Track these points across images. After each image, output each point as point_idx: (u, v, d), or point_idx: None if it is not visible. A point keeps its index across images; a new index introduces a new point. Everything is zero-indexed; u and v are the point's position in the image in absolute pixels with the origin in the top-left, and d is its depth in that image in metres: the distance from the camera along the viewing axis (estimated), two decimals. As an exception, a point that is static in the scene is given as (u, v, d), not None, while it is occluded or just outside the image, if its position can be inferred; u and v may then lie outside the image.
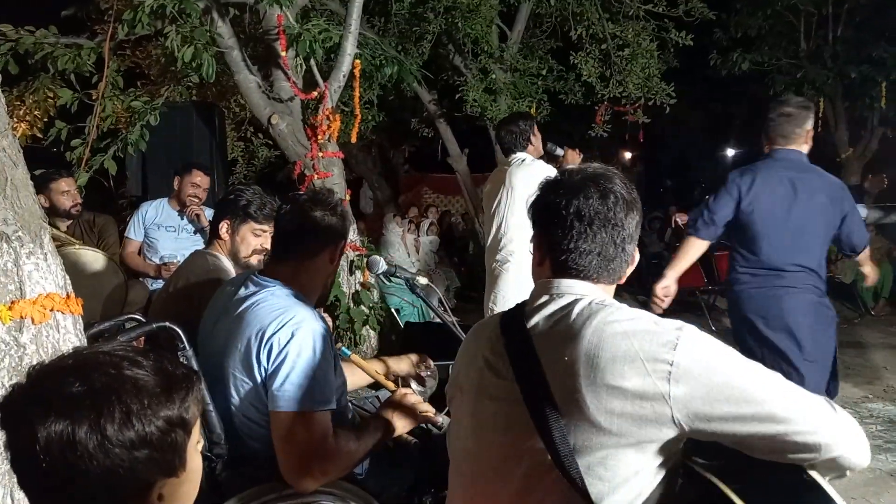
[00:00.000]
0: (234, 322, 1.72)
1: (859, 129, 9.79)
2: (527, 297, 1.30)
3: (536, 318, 1.22)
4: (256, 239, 2.50)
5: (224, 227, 2.49)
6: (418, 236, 8.37)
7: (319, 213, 1.79)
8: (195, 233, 3.98)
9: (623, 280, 1.29)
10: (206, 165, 4.31)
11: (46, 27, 4.70)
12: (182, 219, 4.00)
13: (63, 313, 1.45)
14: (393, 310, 5.40)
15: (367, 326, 4.73)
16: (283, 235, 1.83)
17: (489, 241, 3.72)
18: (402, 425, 1.84)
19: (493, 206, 3.64)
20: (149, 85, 6.27)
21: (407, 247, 7.76)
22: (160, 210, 4.06)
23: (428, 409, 1.89)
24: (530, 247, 3.31)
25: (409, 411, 1.85)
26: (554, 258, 1.25)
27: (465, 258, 9.32)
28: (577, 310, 1.18)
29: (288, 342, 1.61)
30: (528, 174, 3.48)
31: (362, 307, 4.69)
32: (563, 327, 1.17)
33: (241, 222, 2.48)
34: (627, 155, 16.04)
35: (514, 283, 3.52)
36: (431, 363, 2.15)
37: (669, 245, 9.66)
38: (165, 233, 4.03)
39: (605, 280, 1.25)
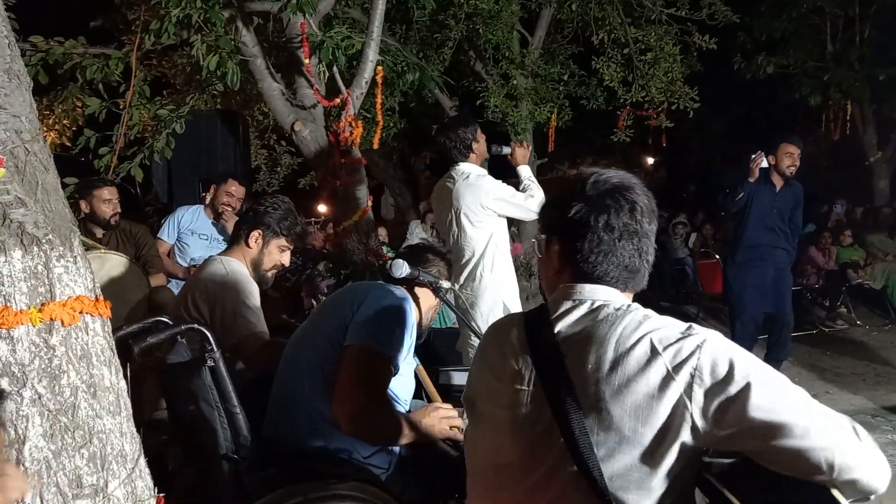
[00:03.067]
0: (339, 294, 2.01)
1: (887, 131, 9.61)
2: (494, 304, 1.36)
3: (560, 324, 1.21)
4: (280, 255, 2.56)
5: (255, 237, 2.51)
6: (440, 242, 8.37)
7: None
8: (225, 241, 4.03)
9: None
10: (243, 175, 4.39)
11: (75, 38, 4.80)
12: (216, 229, 4.10)
13: (92, 316, 1.47)
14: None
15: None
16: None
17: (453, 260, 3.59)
18: (424, 434, 1.89)
19: (445, 226, 3.45)
20: (174, 94, 6.36)
21: (429, 253, 7.76)
22: (195, 217, 4.17)
23: (456, 427, 1.96)
24: (488, 265, 3.27)
25: (436, 423, 1.90)
26: (578, 268, 1.25)
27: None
28: (602, 315, 1.18)
29: (377, 296, 1.86)
30: (474, 195, 3.27)
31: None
32: (587, 332, 1.17)
33: (273, 236, 2.52)
34: (650, 160, 15.91)
35: (476, 304, 3.30)
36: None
37: (693, 251, 9.55)
38: (198, 240, 4.12)
39: (630, 289, 1.26)
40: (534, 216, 3.32)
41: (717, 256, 8.10)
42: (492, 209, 3.32)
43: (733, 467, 1.15)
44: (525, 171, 3.58)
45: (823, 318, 7.19)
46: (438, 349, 3.77)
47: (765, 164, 4.60)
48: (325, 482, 1.65)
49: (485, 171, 3.49)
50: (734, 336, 4.81)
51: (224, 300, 2.30)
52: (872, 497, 1.09)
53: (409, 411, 2.02)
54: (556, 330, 1.21)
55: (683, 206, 12.31)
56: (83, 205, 3.75)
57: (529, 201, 3.34)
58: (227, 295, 2.31)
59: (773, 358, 4.86)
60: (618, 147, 9.31)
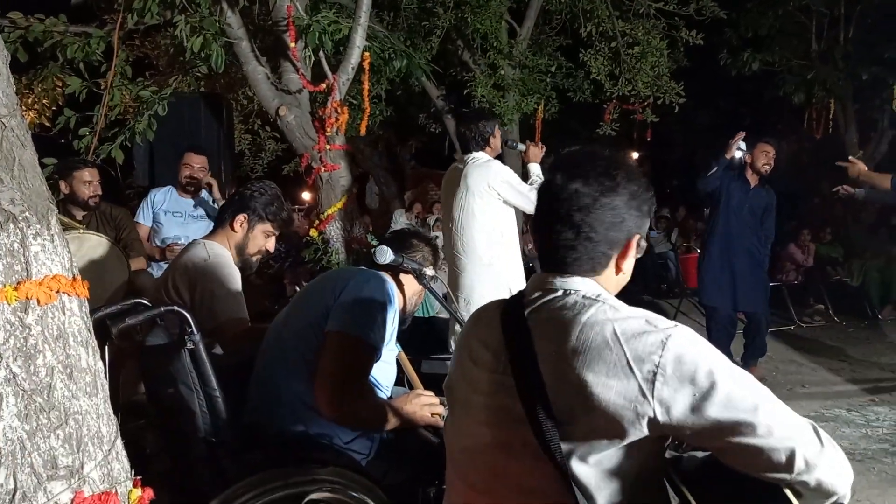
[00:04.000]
0: (320, 280, 2.00)
1: (869, 130, 9.73)
2: (491, 296, 1.36)
3: (532, 311, 1.21)
4: (265, 240, 2.55)
5: (240, 221, 2.50)
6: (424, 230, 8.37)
7: None
8: (202, 217, 4.11)
9: (622, 271, 1.25)
10: (202, 147, 4.39)
11: (56, 16, 4.70)
12: (191, 206, 4.12)
13: (69, 295, 1.43)
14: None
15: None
16: None
17: (446, 242, 3.67)
18: (405, 420, 1.90)
19: (449, 206, 3.59)
20: (157, 75, 6.27)
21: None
22: (168, 196, 4.18)
23: (437, 414, 1.96)
24: (488, 245, 3.35)
25: (417, 410, 1.91)
26: (540, 255, 1.27)
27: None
28: (569, 303, 1.17)
29: (360, 281, 1.86)
30: (483, 174, 3.44)
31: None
32: (556, 318, 1.17)
33: (258, 221, 2.51)
34: (635, 154, 15.98)
35: (474, 286, 3.46)
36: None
37: (675, 246, 9.62)
38: (172, 218, 4.13)
39: (583, 268, 1.20)
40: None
41: (698, 250, 8.18)
42: (496, 191, 3.45)
43: (699, 468, 1.17)
44: (535, 169, 3.75)
45: (802, 314, 7.28)
46: (421, 337, 3.77)
47: (743, 146, 4.64)
48: (305, 467, 1.64)
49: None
50: (710, 332, 4.88)
51: (205, 283, 2.28)
52: (838, 500, 1.09)
53: (391, 398, 2.01)
54: (528, 315, 1.21)
55: (667, 201, 12.38)
56: (63, 185, 3.70)
57: (533, 193, 3.44)
58: (207, 278, 2.29)
59: (749, 357, 4.92)
60: (604, 140, 9.33)
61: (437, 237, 8.49)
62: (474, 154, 3.57)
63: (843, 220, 8.86)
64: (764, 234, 4.83)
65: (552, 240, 1.20)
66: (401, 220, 7.89)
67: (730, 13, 7.92)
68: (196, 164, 4.14)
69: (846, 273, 7.55)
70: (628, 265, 1.25)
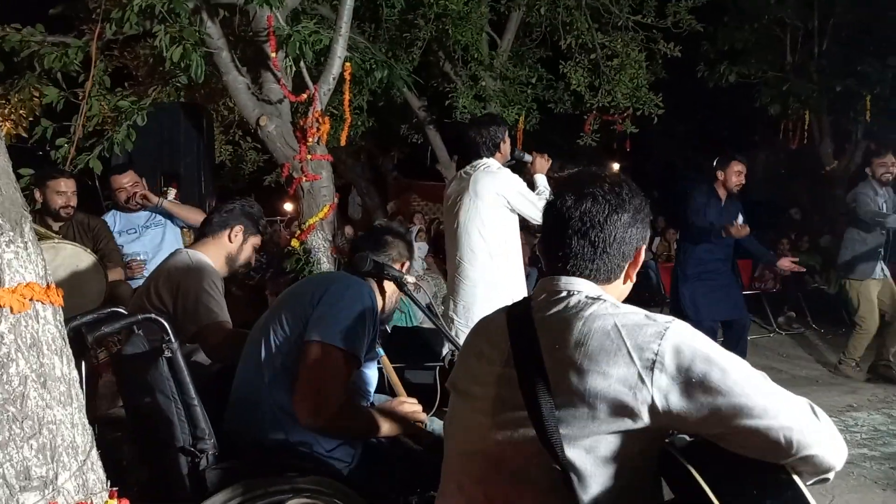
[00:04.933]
0: (296, 287, 1.97)
1: (844, 142, 9.91)
2: (491, 304, 1.39)
3: (538, 310, 1.28)
4: (252, 253, 2.64)
5: (237, 232, 2.57)
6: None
7: None
8: (155, 225, 4.13)
9: (628, 278, 1.33)
10: (123, 165, 4.36)
11: (33, 25, 4.65)
12: (143, 218, 4.14)
13: (43, 303, 1.42)
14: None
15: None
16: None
17: (449, 248, 3.66)
18: (388, 428, 1.89)
19: (455, 212, 3.56)
20: (136, 85, 6.21)
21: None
22: (116, 218, 4.16)
23: (420, 421, 1.98)
24: (493, 253, 3.35)
25: (400, 418, 1.91)
26: (547, 261, 1.34)
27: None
28: (572, 301, 1.24)
29: (338, 289, 1.83)
30: (492, 182, 3.42)
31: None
32: (560, 316, 1.23)
33: (252, 234, 2.60)
34: (616, 165, 16.13)
35: (475, 293, 3.44)
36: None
37: (656, 255, 9.70)
38: (127, 236, 4.11)
39: (598, 279, 1.29)
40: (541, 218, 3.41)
41: (674, 266, 8.26)
42: (505, 197, 3.43)
43: (694, 444, 1.19)
44: (542, 180, 3.74)
45: (780, 322, 7.37)
46: (405, 347, 3.76)
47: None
48: (286, 476, 1.63)
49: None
50: None
51: (187, 288, 2.28)
52: (830, 475, 1.13)
53: (373, 404, 2.00)
54: (534, 314, 1.27)
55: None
56: (37, 194, 3.65)
57: (540, 203, 3.44)
58: (190, 283, 2.30)
59: None
60: (584, 151, 9.42)
61: (419, 247, 8.52)
62: (484, 160, 3.54)
63: (821, 229, 9.01)
64: (749, 244, 4.89)
65: (571, 253, 1.28)
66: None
67: (707, 26, 8.06)
68: (126, 182, 4.08)
69: (824, 281, 7.65)
70: (635, 272, 1.35)
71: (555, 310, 1.25)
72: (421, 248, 8.59)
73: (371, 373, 1.98)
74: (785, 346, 6.44)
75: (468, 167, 3.62)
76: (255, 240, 2.62)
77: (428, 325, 4.44)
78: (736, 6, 8.84)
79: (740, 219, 4.74)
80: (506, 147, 3.61)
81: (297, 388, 1.71)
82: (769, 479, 1.10)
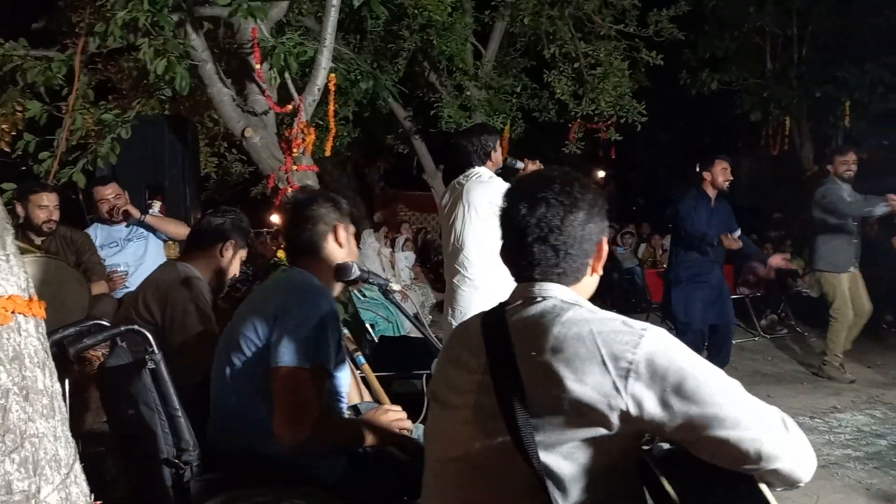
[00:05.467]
0: (252, 302, 1.86)
1: (824, 147, 10.04)
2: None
3: (513, 316, 1.27)
4: (239, 265, 2.64)
5: (229, 247, 2.57)
6: (394, 251, 8.37)
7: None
8: (137, 238, 4.13)
9: (594, 271, 1.33)
10: (106, 177, 4.37)
11: (16, 39, 4.64)
12: (125, 231, 4.15)
13: (25, 316, 1.41)
14: (367, 325, 5.37)
15: (342, 340, 4.70)
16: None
17: (446, 257, 3.69)
18: (373, 438, 1.88)
19: (450, 222, 3.60)
20: (120, 99, 6.20)
21: (382, 262, 7.75)
22: (98, 232, 4.15)
23: (406, 429, 1.96)
24: (488, 262, 3.33)
25: (385, 427, 1.89)
26: (512, 270, 1.33)
27: (441, 274, 9.32)
28: (547, 308, 1.23)
29: (291, 304, 1.76)
30: (484, 191, 3.45)
31: (345, 331, 4.65)
32: (535, 321, 1.22)
33: (241, 247, 2.61)
34: (601, 173, 16.25)
35: (472, 300, 3.47)
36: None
37: (642, 261, 9.77)
38: (109, 249, 4.10)
39: (567, 280, 1.29)
40: None
41: (664, 266, 8.33)
42: (497, 206, 3.43)
43: (672, 453, 1.21)
44: None
45: (764, 325, 7.43)
46: (392, 357, 3.75)
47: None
48: (272, 487, 1.62)
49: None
50: None
51: (175, 300, 2.29)
52: (801, 484, 1.14)
53: (358, 411, 1.99)
54: (509, 321, 1.27)
55: (633, 218, 12.57)
56: (19, 208, 3.63)
57: None
58: (178, 296, 2.30)
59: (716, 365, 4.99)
60: (569, 159, 9.47)
61: (406, 256, 8.54)
62: (476, 169, 3.57)
63: (803, 233, 9.09)
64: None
65: (535, 260, 1.27)
66: (369, 241, 7.88)
67: (688, 35, 8.16)
68: (108, 194, 4.07)
69: (806, 285, 7.72)
70: (601, 265, 1.35)
71: (530, 315, 1.24)
72: (408, 257, 8.61)
73: (342, 374, 1.94)
74: (769, 350, 6.50)
75: (461, 177, 3.66)
76: (243, 253, 2.63)
77: (415, 334, 4.44)
78: (716, 15, 8.97)
79: (738, 232, 4.82)
80: (497, 155, 3.65)
81: (275, 415, 1.67)
82: (737, 490, 1.12)
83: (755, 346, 6.72)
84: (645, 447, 1.23)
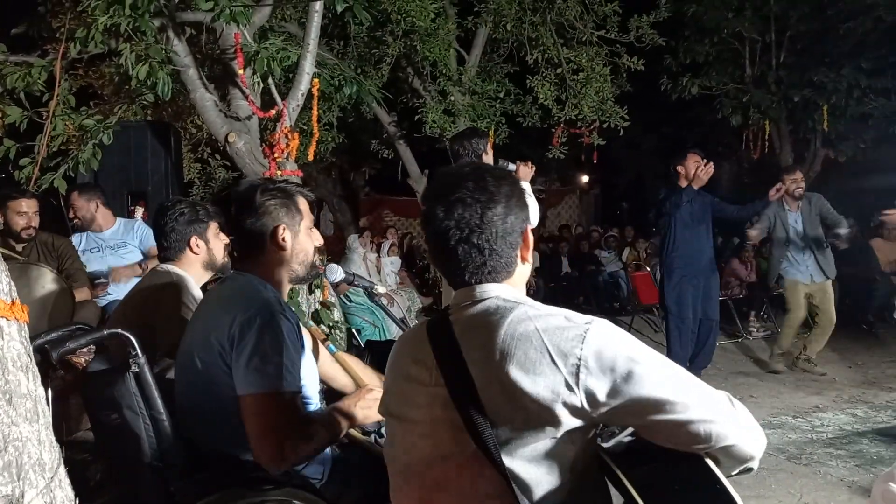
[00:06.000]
0: (203, 316, 1.77)
1: (803, 150, 10.20)
2: None
3: (457, 322, 1.26)
4: (223, 238, 2.50)
5: (195, 243, 2.47)
6: (379, 256, 8.36)
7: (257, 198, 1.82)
8: (120, 245, 4.14)
9: (524, 260, 1.30)
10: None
11: (-5, 45, 4.60)
12: (106, 237, 4.16)
13: (7, 320, 1.40)
14: (354, 330, 5.36)
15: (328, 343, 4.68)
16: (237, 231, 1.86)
17: None
18: (362, 416, 1.83)
19: None
20: (102, 104, 6.16)
21: (368, 267, 7.74)
22: (82, 238, 4.16)
23: None
24: None
25: (367, 408, 1.83)
26: (449, 277, 1.30)
27: (427, 279, 9.33)
28: (490, 309, 1.22)
29: (253, 327, 1.65)
30: None
31: (322, 326, 4.64)
32: (479, 327, 1.21)
33: (205, 230, 2.49)
34: (584, 178, 16.35)
35: None
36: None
37: (626, 264, 9.84)
38: (91, 255, 4.10)
39: (499, 277, 1.27)
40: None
41: (648, 269, 8.40)
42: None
43: (629, 448, 1.24)
44: (526, 187, 3.84)
45: (747, 327, 7.51)
46: (377, 361, 3.75)
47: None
48: (258, 488, 1.62)
49: None
50: (672, 345, 5.02)
51: (170, 303, 2.26)
52: (753, 464, 1.18)
53: (342, 397, 1.93)
54: (455, 327, 1.25)
55: (617, 222, 12.66)
56: None
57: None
58: (173, 298, 2.28)
59: (696, 367, 5.07)
60: (553, 164, 9.53)
61: (392, 261, 8.53)
62: None
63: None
64: (734, 212, 5.29)
65: (462, 262, 1.25)
66: (354, 246, 7.87)
67: (668, 41, 8.26)
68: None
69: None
70: (530, 253, 1.32)
71: (474, 319, 1.23)
72: (394, 262, 8.60)
73: (312, 376, 1.87)
74: (752, 350, 6.57)
75: None
76: (212, 232, 2.50)
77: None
78: (695, 21, 9.08)
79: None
80: (488, 157, 3.72)
81: (252, 442, 1.61)
82: (694, 478, 1.16)
83: (738, 348, 6.79)
84: (604, 444, 1.25)
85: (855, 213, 6.40)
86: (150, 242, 4.18)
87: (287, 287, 1.90)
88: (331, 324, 4.77)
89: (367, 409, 1.83)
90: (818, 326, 5.55)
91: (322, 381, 2.15)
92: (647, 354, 1.15)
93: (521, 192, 1.29)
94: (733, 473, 1.18)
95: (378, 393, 1.82)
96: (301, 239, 1.87)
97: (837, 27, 8.75)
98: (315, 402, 1.89)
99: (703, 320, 5.05)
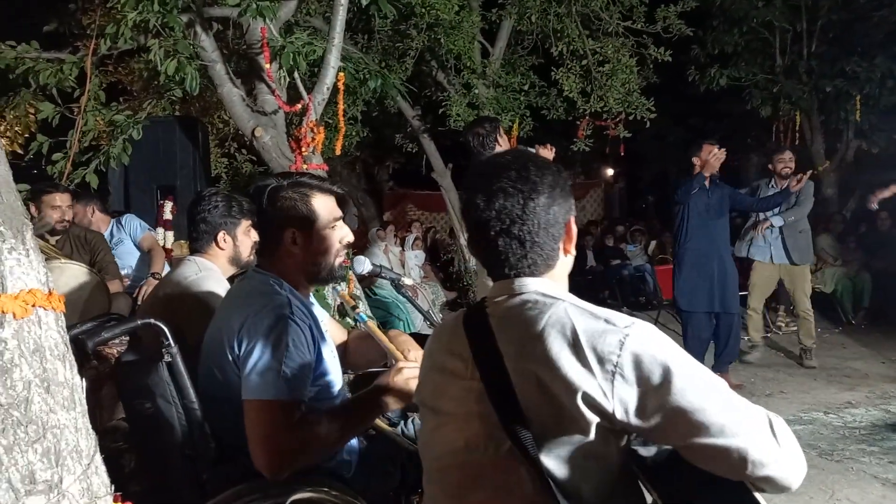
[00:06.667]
0: (220, 313, 1.74)
1: (835, 141, 9.99)
2: None
3: (495, 315, 1.23)
4: (253, 235, 2.49)
5: (222, 238, 2.47)
6: (403, 250, 8.38)
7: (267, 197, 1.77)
8: (120, 242, 4.25)
9: (567, 252, 1.27)
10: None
11: (28, 42, 4.69)
12: (115, 234, 4.27)
13: (45, 309, 1.43)
14: (378, 324, 5.38)
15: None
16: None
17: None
18: (394, 400, 1.75)
19: None
20: (131, 100, 6.26)
21: (391, 261, 7.77)
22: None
23: None
24: None
25: (405, 387, 1.74)
26: (489, 267, 1.27)
27: (451, 273, 9.33)
28: (529, 304, 1.19)
29: (258, 331, 1.61)
30: None
31: (348, 319, 4.68)
32: (517, 322, 1.19)
33: (235, 227, 2.48)
34: (609, 171, 16.21)
35: None
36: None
37: (652, 258, 9.74)
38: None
39: (538, 271, 1.23)
40: None
41: (672, 260, 8.30)
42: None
43: (663, 461, 1.20)
44: None
45: (775, 321, 7.39)
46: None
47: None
48: (286, 479, 1.63)
49: None
50: (686, 341, 4.96)
51: (196, 295, 2.28)
52: (792, 489, 1.11)
53: (377, 376, 1.85)
54: (492, 320, 1.23)
55: (643, 215, 12.54)
56: (32, 209, 3.68)
57: None
58: (199, 290, 2.29)
59: (721, 363, 5.00)
60: (578, 157, 9.45)
61: (416, 255, 8.54)
62: None
63: (814, 228, 9.07)
64: (752, 204, 5.26)
65: (501, 254, 1.21)
66: (375, 239, 7.92)
67: (696, 31, 8.13)
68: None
69: (819, 281, 7.68)
70: (573, 245, 1.28)
71: (511, 313, 1.21)
72: (418, 256, 8.62)
73: (332, 364, 1.82)
74: (781, 346, 6.46)
75: None
76: (242, 228, 2.48)
77: (426, 331, 4.45)
78: (724, 10, 8.93)
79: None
80: (504, 140, 3.72)
81: (250, 448, 1.58)
82: (729, 496, 1.10)
83: (768, 343, 6.68)
84: (641, 453, 1.22)
85: (890, 206, 6.24)
86: (139, 233, 4.28)
87: (307, 288, 1.85)
88: (356, 317, 4.80)
89: (401, 389, 1.73)
90: (798, 317, 5.65)
91: (349, 370, 2.13)
92: (687, 368, 1.08)
93: (566, 181, 1.25)
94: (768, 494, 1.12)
95: (411, 370, 1.73)
96: (316, 240, 1.78)
97: (870, 15, 8.55)
98: (339, 395, 1.88)
99: (722, 314, 4.96)
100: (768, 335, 7.01)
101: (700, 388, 1.07)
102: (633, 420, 1.08)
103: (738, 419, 1.06)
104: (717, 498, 1.12)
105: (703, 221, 4.88)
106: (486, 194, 1.20)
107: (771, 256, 5.50)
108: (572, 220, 1.27)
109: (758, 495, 1.08)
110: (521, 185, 1.19)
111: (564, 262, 1.28)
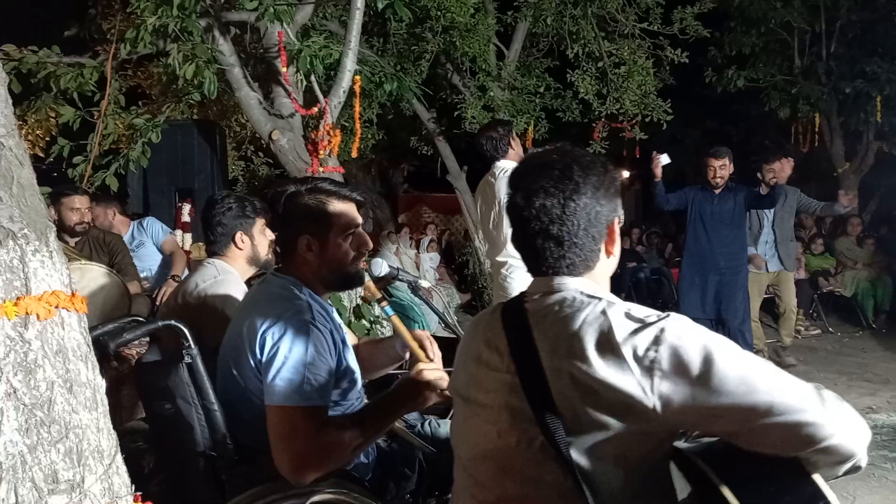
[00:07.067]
0: (240, 317, 1.74)
1: (855, 143, 9.86)
2: None
3: (534, 311, 1.23)
4: (269, 234, 2.50)
5: (240, 238, 2.48)
6: (418, 253, 8.40)
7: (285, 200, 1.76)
8: (140, 245, 4.30)
9: (609, 254, 1.27)
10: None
11: (49, 47, 4.76)
12: (136, 236, 4.32)
13: (68, 311, 1.45)
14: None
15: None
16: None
17: (490, 257, 3.74)
18: (413, 406, 1.75)
19: (490, 223, 3.63)
20: (150, 104, 6.33)
21: (403, 263, 7.79)
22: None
23: (446, 390, 1.74)
24: None
25: (426, 390, 1.73)
26: (530, 264, 1.27)
27: (466, 275, 9.33)
28: (567, 302, 1.19)
29: (281, 336, 1.61)
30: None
31: (363, 321, 4.69)
32: (555, 319, 1.18)
33: (251, 226, 2.49)
34: (626, 173, 16.12)
35: (525, 278, 3.54)
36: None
37: (668, 261, 9.67)
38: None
39: (576, 271, 1.23)
40: None
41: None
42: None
43: (710, 445, 1.18)
44: None
45: (796, 325, 7.30)
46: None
47: (664, 160, 4.85)
48: (305, 480, 1.63)
49: None
50: None
51: (214, 298, 2.30)
52: (861, 462, 1.07)
53: (396, 378, 1.86)
54: (530, 315, 1.22)
55: (659, 217, 12.45)
56: (52, 212, 3.72)
57: None
58: (218, 293, 2.31)
59: None
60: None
61: (431, 258, 8.56)
62: (500, 164, 3.61)
63: (833, 231, 8.96)
64: (821, 207, 5.55)
65: (541, 253, 1.21)
66: (386, 244, 7.95)
67: (713, 32, 8.07)
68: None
69: (838, 284, 7.59)
70: (616, 247, 1.27)
71: (548, 310, 1.20)
72: (433, 258, 8.63)
73: (353, 375, 1.80)
74: (801, 350, 6.38)
75: (488, 175, 3.71)
76: (258, 228, 2.50)
77: (442, 333, 4.46)
78: (741, 11, 8.85)
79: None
80: (517, 144, 3.70)
81: (273, 456, 1.58)
82: (788, 477, 1.07)
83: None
84: (685, 444, 1.20)
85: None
86: (161, 237, 4.32)
87: (324, 292, 1.83)
88: (372, 319, 4.82)
89: (423, 391, 1.72)
90: (782, 316, 5.75)
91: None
92: (726, 352, 1.06)
93: (612, 181, 1.23)
94: (840, 474, 1.08)
95: (433, 372, 1.72)
96: (332, 247, 1.75)
97: (891, 16, 8.43)
98: (361, 399, 1.88)
99: (729, 323, 4.87)
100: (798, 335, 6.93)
101: (744, 371, 1.04)
102: (675, 413, 1.06)
103: (790, 395, 1.03)
104: (776, 478, 1.08)
105: (705, 228, 4.85)
106: (527, 192, 1.20)
107: (766, 266, 5.57)
108: (616, 221, 1.25)
109: (818, 480, 1.05)
110: (562, 185, 1.18)
111: (606, 264, 1.27)
